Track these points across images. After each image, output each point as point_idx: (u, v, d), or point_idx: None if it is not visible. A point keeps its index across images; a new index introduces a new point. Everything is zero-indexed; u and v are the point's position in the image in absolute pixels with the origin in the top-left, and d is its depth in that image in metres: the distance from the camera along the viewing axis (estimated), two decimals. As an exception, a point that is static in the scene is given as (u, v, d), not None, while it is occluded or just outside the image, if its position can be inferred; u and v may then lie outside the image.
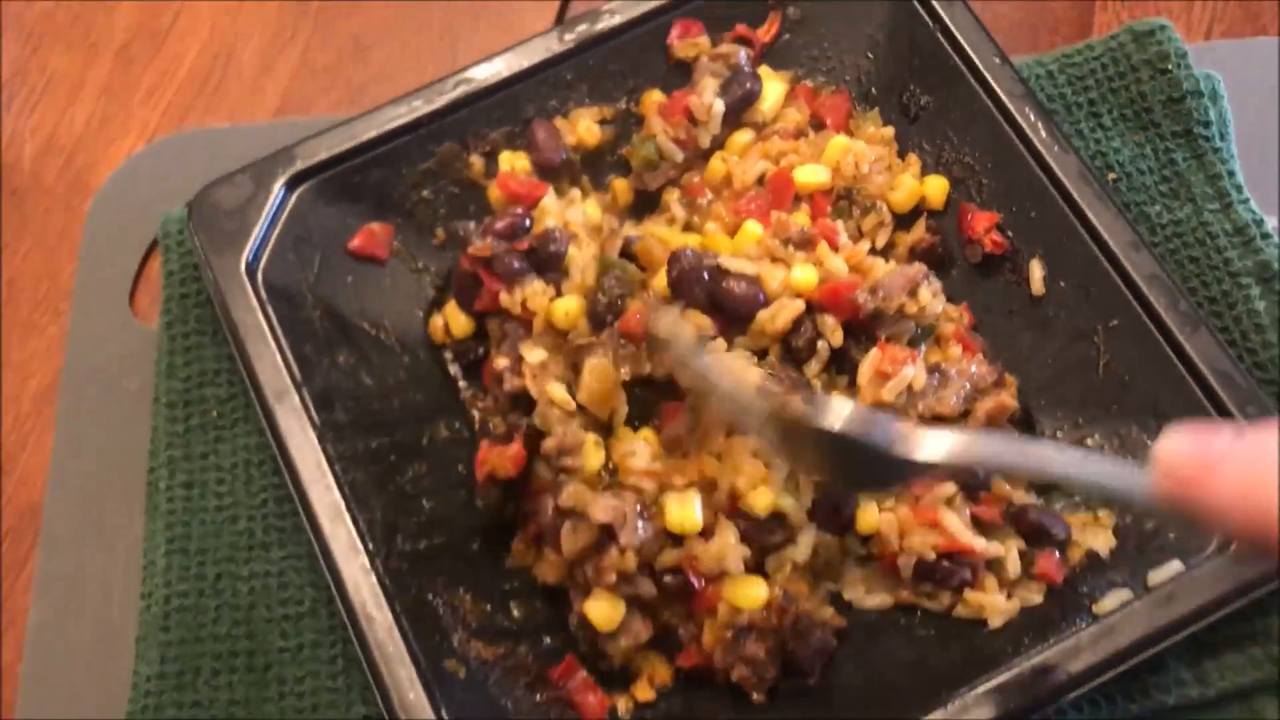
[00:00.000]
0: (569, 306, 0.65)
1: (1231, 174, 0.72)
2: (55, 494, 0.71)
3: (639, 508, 0.60)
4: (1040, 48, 0.79)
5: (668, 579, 0.61)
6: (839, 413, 0.52)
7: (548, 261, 0.66)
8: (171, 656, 0.65)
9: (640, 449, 0.62)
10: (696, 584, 0.61)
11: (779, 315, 0.63)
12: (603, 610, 0.61)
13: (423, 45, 0.86)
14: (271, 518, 0.68)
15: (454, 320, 0.70)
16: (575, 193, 0.73)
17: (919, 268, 0.66)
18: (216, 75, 0.86)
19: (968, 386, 0.64)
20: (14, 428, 0.75)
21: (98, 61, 0.87)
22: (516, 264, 0.66)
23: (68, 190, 0.82)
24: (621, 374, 0.63)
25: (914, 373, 0.62)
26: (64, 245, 0.80)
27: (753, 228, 0.67)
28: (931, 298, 0.65)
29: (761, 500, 0.60)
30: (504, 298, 0.66)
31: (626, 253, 0.68)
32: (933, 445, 0.51)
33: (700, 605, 0.61)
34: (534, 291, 0.66)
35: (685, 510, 0.60)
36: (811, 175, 0.70)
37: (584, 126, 0.73)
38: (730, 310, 0.63)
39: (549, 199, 0.70)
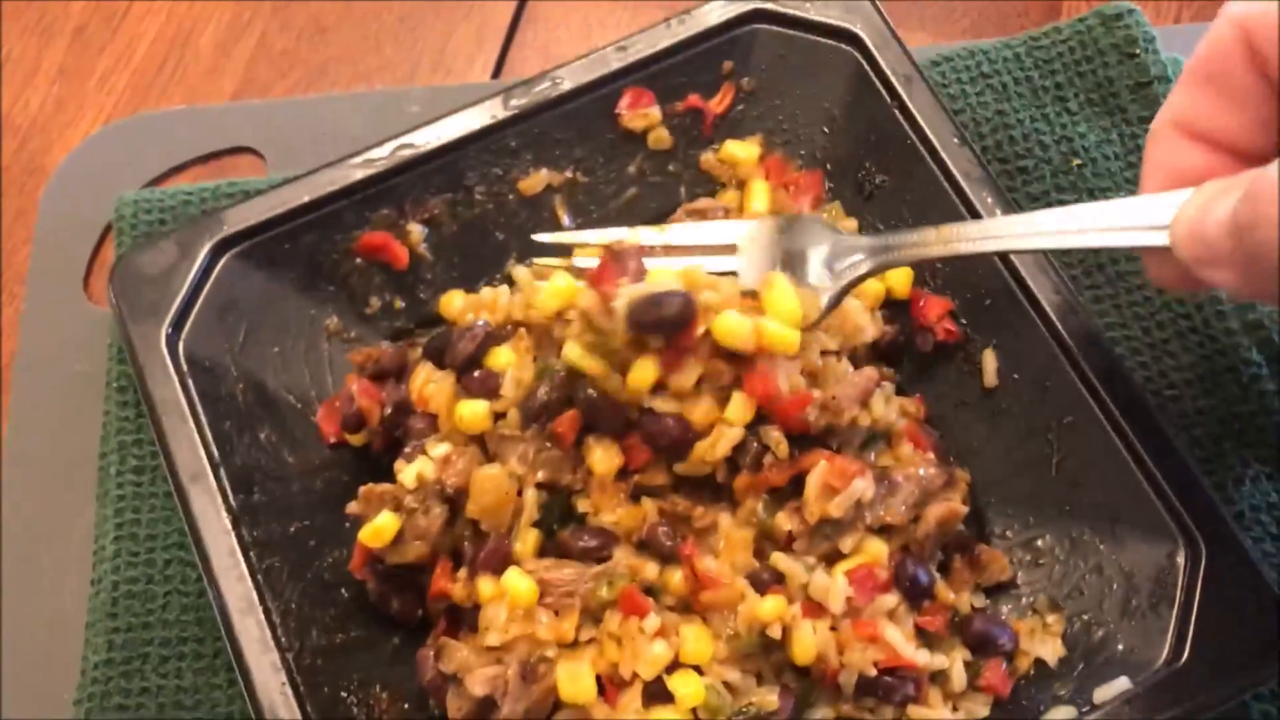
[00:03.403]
0: (475, 410, 0.61)
1: None
2: (8, 478, 0.71)
3: (522, 672, 0.57)
4: (1009, 31, 0.78)
5: None
6: None
7: (466, 364, 0.63)
8: (119, 643, 0.64)
9: (518, 596, 0.58)
10: None
11: (718, 444, 0.59)
12: None
13: (383, 29, 0.85)
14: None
15: (354, 439, 0.67)
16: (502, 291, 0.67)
17: (871, 375, 0.62)
18: (174, 58, 0.85)
19: (917, 492, 0.61)
20: None
21: (53, 44, 0.86)
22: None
23: (22, 173, 0.81)
24: (538, 477, 0.60)
25: (864, 486, 0.59)
26: (18, 228, 0.79)
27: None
28: (885, 405, 0.62)
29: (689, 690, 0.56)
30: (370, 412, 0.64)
31: None
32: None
33: None
34: (440, 390, 0.63)
35: (578, 684, 0.57)
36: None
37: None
38: (666, 447, 0.60)
39: (486, 292, 0.67)
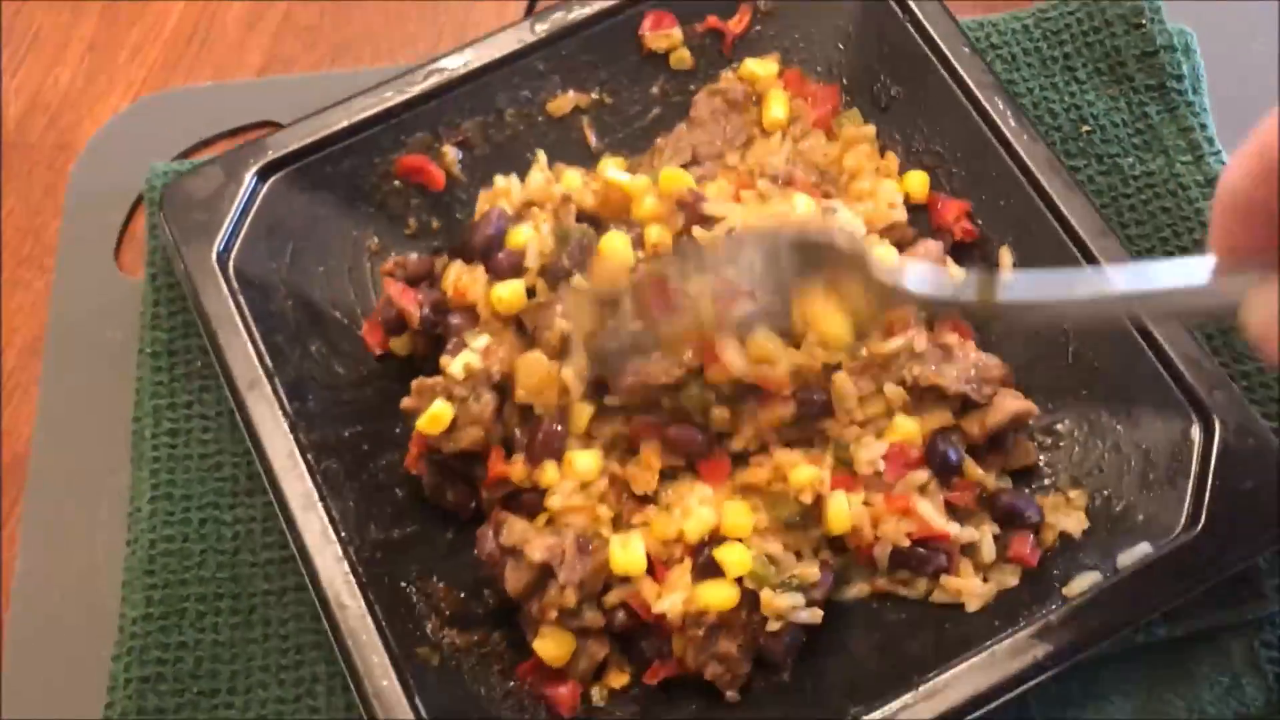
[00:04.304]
0: (511, 289, 0.65)
1: (1204, 126, 0.73)
2: (41, 445, 0.72)
3: (578, 543, 0.60)
4: (1019, 4, 0.80)
5: (619, 616, 0.61)
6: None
7: (488, 248, 0.66)
8: (157, 599, 0.65)
9: (584, 468, 0.62)
10: (646, 619, 0.60)
11: None
12: (550, 648, 0.60)
13: (406, 3, 0.86)
14: (255, 465, 0.67)
15: (399, 346, 0.69)
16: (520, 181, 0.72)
17: (936, 246, 0.67)
18: (201, 34, 0.86)
19: (972, 370, 0.64)
20: (1, 382, 0.75)
21: (82, 20, 0.87)
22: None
23: (52, 148, 0.83)
24: (583, 328, 0.62)
25: (913, 335, 0.63)
26: (49, 202, 0.81)
27: None
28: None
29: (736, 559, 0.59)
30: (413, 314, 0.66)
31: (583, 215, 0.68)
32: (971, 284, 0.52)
33: (660, 629, 0.61)
34: (473, 280, 0.66)
35: (629, 553, 0.60)
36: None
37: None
38: None
39: (499, 181, 0.71)
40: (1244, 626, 0.62)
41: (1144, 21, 0.75)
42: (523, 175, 0.72)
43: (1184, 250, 0.71)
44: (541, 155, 0.73)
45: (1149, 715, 0.62)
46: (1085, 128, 0.74)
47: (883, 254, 0.61)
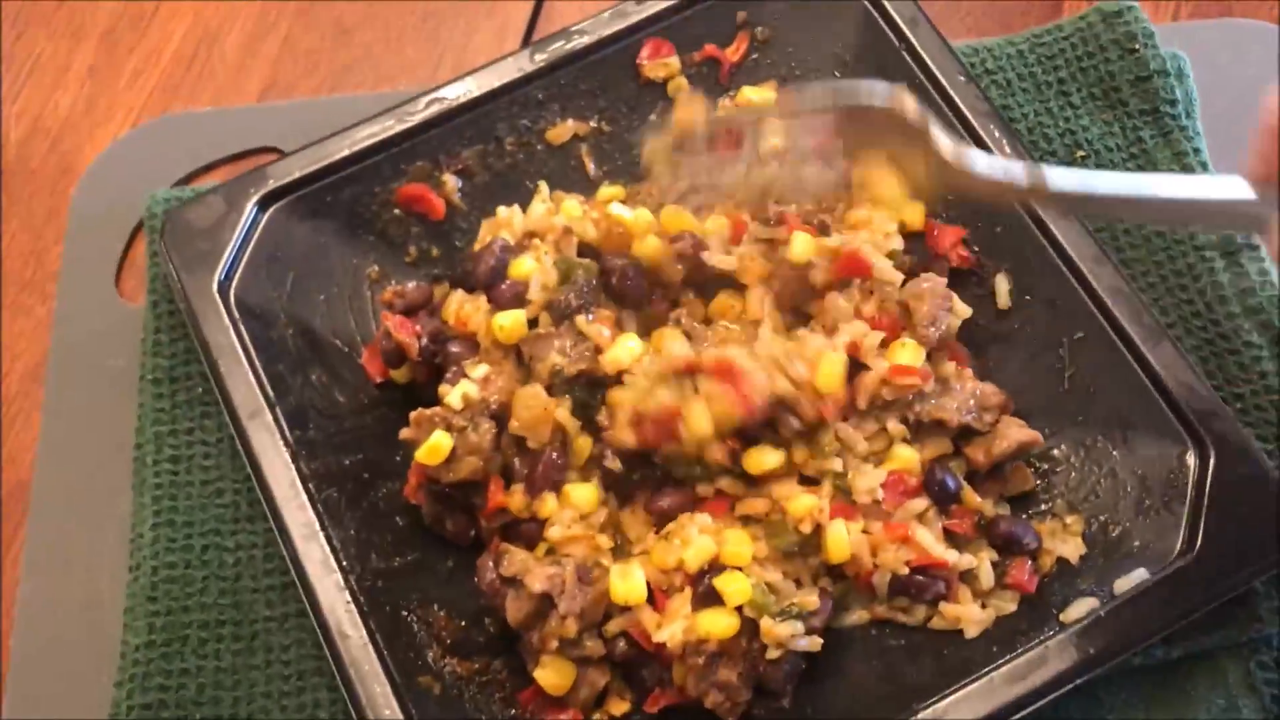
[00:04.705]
0: (513, 318, 0.65)
1: (1197, 150, 0.74)
2: (44, 471, 0.73)
3: (578, 573, 0.60)
4: (1012, 29, 0.81)
5: (620, 645, 0.61)
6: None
7: (491, 279, 0.67)
8: (159, 626, 0.66)
9: (583, 500, 0.63)
10: (646, 647, 0.61)
11: None
12: (551, 677, 0.61)
13: (405, 29, 0.87)
14: (256, 491, 0.67)
15: (399, 375, 0.70)
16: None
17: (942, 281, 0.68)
18: (200, 60, 0.87)
19: (970, 401, 0.65)
20: (3, 407, 0.76)
21: (82, 47, 0.88)
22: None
23: (53, 174, 0.83)
24: (570, 370, 0.63)
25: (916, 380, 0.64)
26: (50, 228, 0.81)
27: None
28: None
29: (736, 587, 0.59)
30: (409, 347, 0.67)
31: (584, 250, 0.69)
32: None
33: (660, 657, 0.61)
34: (475, 309, 0.66)
35: (629, 582, 0.60)
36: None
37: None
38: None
39: (502, 211, 0.72)
40: (1240, 648, 0.63)
41: (1137, 47, 0.76)
42: (523, 204, 0.73)
43: (1177, 274, 0.71)
44: (544, 186, 0.74)
45: (1147, 736, 0.62)
46: (1080, 152, 0.75)
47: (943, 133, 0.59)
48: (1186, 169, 0.73)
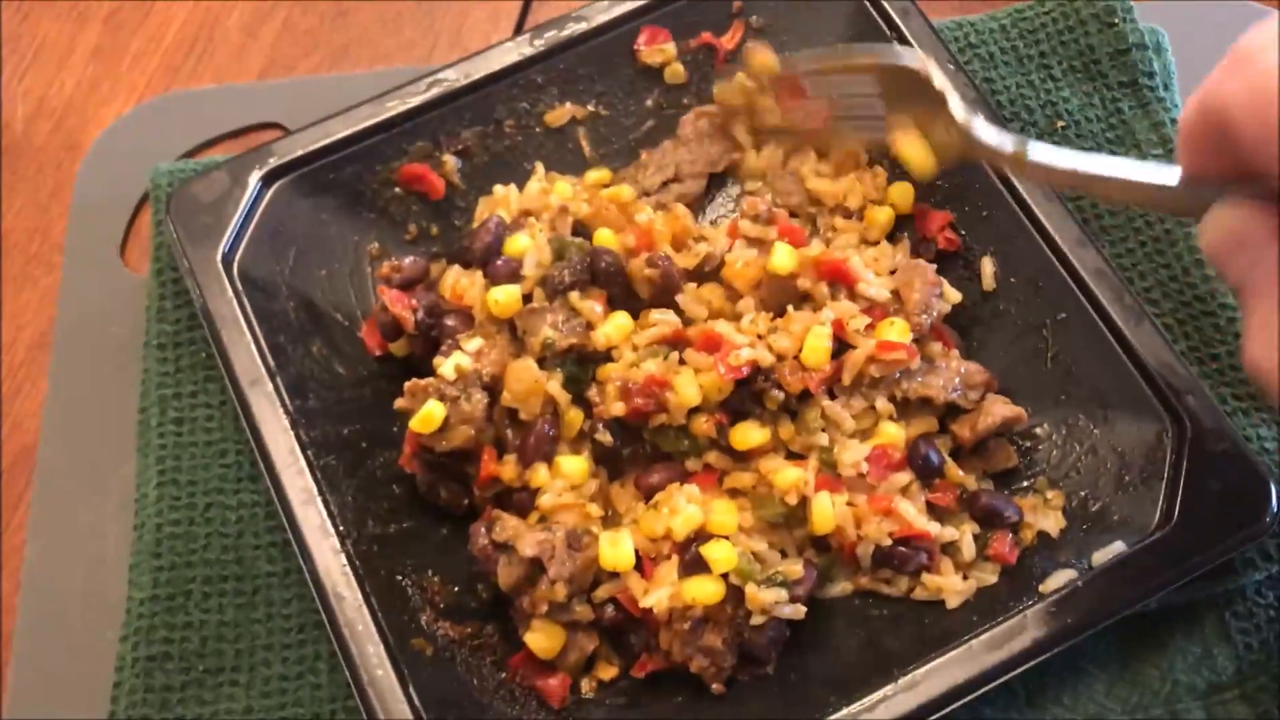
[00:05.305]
0: (507, 293, 0.67)
1: (1174, 121, 0.76)
2: (49, 436, 0.74)
3: (568, 540, 0.62)
4: (997, 5, 0.83)
5: (608, 610, 0.63)
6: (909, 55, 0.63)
7: (487, 254, 0.68)
8: (164, 580, 0.67)
9: (573, 471, 0.64)
10: (634, 613, 0.62)
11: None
12: (541, 641, 0.62)
13: (402, 9, 0.89)
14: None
15: (397, 348, 0.71)
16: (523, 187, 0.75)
17: (930, 267, 0.69)
18: (202, 40, 0.89)
19: (956, 379, 0.66)
20: (9, 375, 0.78)
21: (87, 28, 0.90)
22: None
23: (59, 151, 0.85)
24: (562, 344, 0.65)
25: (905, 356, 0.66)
26: (56, 202, 0.83)
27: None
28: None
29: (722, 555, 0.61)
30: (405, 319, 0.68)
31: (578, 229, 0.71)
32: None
33: (647, 623, 0.63)
34: (471, 283, 0.68)
35: (618, 549, 0.62)
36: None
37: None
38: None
39: (498, 190, 0.73)
40: (1215, 599, 0.64)
41: (1116, 21, 0.78)
42: (520, 184, 0.75)
43: (1155, 240, 0.73)
44: (540, 167, 0.75)
45: (1124, 684, 0.64)
46: (1060, 123, 0.77)
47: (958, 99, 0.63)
48: (1164, 139, 0.75)
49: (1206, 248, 0.49)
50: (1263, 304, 0.45)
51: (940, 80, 0.62)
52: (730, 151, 0.76)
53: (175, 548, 0.68)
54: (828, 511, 0.63)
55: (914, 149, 0.64)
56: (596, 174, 0.76)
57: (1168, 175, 0.52)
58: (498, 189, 0.73)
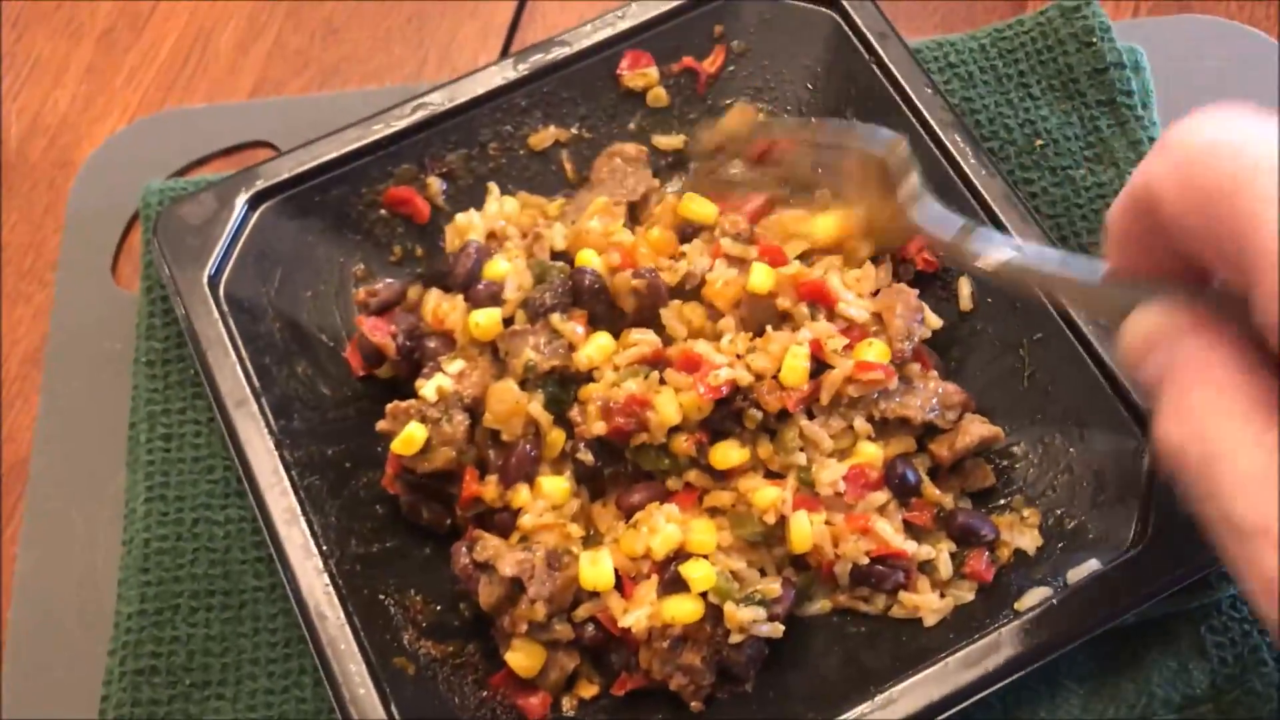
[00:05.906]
0: (489, 316, 0.67)
1: (1152, 140, 0.77)
2: (41, 450, 0.75)
3: (548, 559, 0.62)
4: (977, 27, 0.84)
5: (588, 629, 0.63)
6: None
7: (468, 279, 0.69)
8: (151, 595, 0.68)
9: (554, 492, 0.65)
10: (614, 632, 0.63)
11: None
12: (522, 659, 0.63)
13: (391, 28, 0.91)
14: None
15: (381, 370, 0.72)
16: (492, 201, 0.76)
17: (913, 292, 0.70)
18: (195, 58, 0.90)
19: (934, 400, 0.67)
20: (2, 389, 0.79)
21: (81, 46, 0.91)
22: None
23: (52, 167, 0.87)
24: (544, 365, 0.66)
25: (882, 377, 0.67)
26: (49, 219, 0.84)
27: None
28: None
29: (700, 574, 0.61)
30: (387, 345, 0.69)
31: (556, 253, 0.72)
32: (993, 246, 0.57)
33: (627, 642, 0.63)
34: (452, 307, 0.69)
35: (597, 569, 0.62)
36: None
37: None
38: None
39: (471, 214, 0.74)
40: (1192, 613, 0.65)
41: (1095, 40, 0.79)
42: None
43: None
44: (494, 188, 0.76)
45: (1101, 698, 0.64)
46: (1039, 142, 0.78)
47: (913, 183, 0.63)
48: (1142, 157, 0.75)
49: (1124, 350, 0.46)
50: (1172, 388, 0.43)
51: (900, 162, 0.62)
52: (648, 180, 0.77)
53: (163, 563, 0.69)
54: (806, 530, 0.64)
55: (834, 229, 0.66)
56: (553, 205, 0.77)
57: (1100, 272, 0.50)
58: (459, 217, 0.74)
